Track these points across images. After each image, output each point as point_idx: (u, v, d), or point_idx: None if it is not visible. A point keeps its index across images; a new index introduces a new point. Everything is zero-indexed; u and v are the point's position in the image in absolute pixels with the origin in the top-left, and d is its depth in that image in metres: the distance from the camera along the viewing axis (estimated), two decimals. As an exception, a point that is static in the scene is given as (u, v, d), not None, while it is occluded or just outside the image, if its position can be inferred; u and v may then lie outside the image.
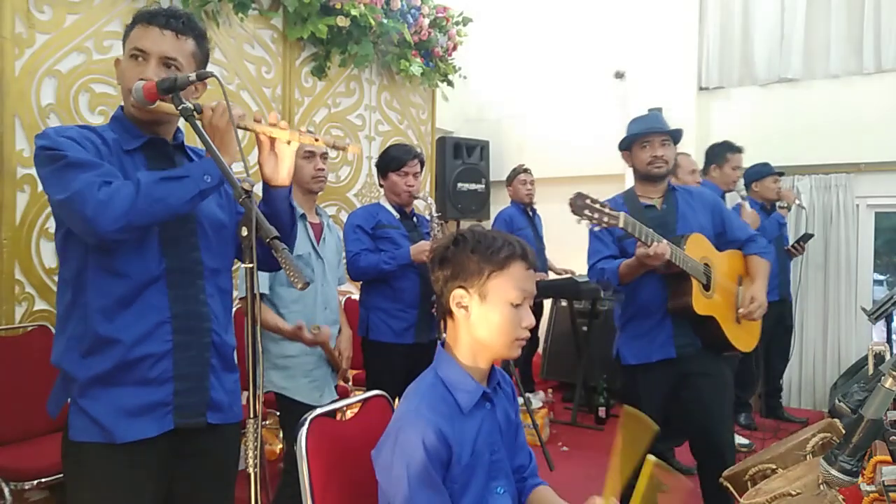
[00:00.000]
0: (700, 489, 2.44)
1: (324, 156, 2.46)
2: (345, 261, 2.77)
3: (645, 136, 2.39)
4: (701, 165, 3.93)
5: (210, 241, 1.46)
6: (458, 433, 1.19)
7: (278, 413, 2.69)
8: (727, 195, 3.90)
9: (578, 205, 2.07)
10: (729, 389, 2.50)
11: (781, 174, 4.16)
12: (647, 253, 2.12)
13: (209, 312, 1.44)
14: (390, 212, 2.85)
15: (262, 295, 2.25)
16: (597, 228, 2.11)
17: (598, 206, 2.08)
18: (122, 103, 1.43)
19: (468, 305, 1.22)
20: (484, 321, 1.22)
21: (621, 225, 2.08)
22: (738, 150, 3.87)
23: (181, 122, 1.45)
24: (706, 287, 2.31)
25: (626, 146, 2.47)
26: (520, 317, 1.22)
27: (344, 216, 3.97)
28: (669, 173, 2.45)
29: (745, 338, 2.44)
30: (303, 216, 2.39)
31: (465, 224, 5.56)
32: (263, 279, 2.26)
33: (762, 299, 2.37)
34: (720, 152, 3.85)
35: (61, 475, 1.51)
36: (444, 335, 1.32)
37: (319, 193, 2.55)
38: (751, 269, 2.49)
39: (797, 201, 4.34)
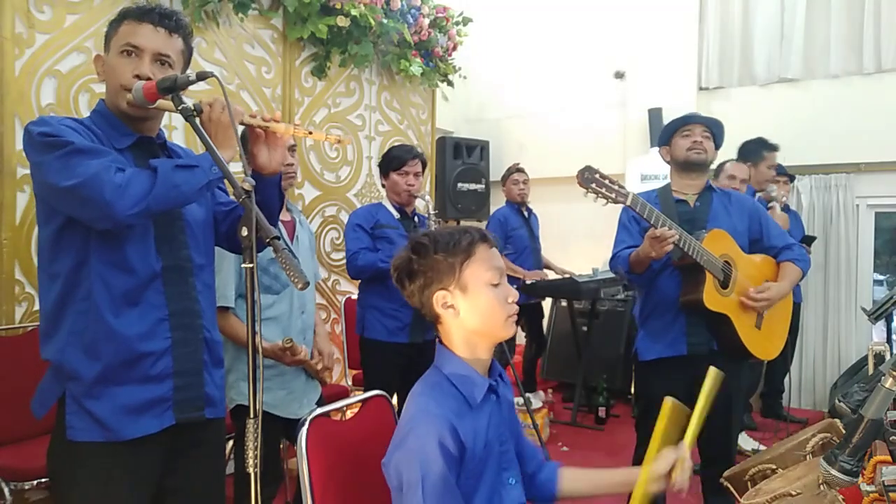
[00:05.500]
0: (701, 489, 2.43)
1: (292, 149, 2.32)
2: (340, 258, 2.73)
3: (687, 125, 2.38)
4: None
5: (196, 238, 1.48)
6: (470, 428, 1.20)
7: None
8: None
9: (586, 178, 2.03)
10: (742, 396, 2.46)
11: (792, 178, 4.15)
12: (653, 234, 2.06)
13: (200, 309, 1.46)
14: (390, 212, 2.87)
15: (229, 308, 2.09)
16: (604, 204, 2.06)
17: (606, 181, 2.04)
18: (105, 99, 1.43)
19: (454, 303, 1.25)
20: (474, 310, 1.25)
21: (629, 203, 2.05)
22: (775, 147, 3.72)
23: (179, 120, 1.45)
24: (724, 284, 2.25)
25: (666, 139, 2.44)
26: (504, 293, 1.27)
27: (344, 216, 3.97)
28: (708, 165, 2.41)
29: (764, 345, 2.36)
30: None
31: (465, 224, 5.57)
32: (230, 291, 2.09)
33: (772, 296, 2.29)
34: (756, 150, 3.68)
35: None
36: (438, 335, 1.33)
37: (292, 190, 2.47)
38: (780, 273, 2.41)
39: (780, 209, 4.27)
